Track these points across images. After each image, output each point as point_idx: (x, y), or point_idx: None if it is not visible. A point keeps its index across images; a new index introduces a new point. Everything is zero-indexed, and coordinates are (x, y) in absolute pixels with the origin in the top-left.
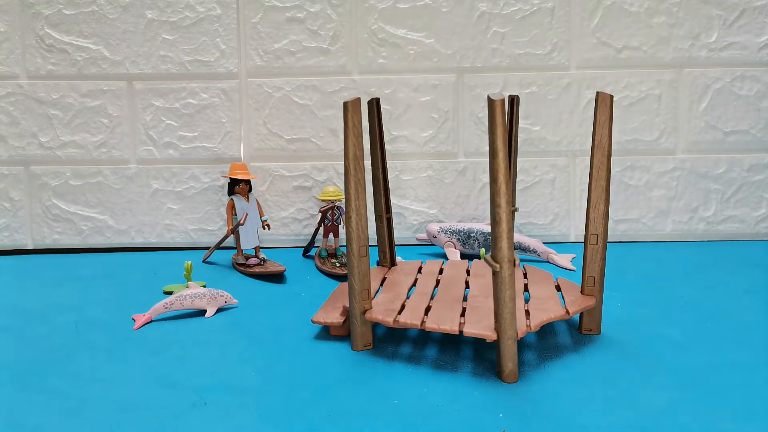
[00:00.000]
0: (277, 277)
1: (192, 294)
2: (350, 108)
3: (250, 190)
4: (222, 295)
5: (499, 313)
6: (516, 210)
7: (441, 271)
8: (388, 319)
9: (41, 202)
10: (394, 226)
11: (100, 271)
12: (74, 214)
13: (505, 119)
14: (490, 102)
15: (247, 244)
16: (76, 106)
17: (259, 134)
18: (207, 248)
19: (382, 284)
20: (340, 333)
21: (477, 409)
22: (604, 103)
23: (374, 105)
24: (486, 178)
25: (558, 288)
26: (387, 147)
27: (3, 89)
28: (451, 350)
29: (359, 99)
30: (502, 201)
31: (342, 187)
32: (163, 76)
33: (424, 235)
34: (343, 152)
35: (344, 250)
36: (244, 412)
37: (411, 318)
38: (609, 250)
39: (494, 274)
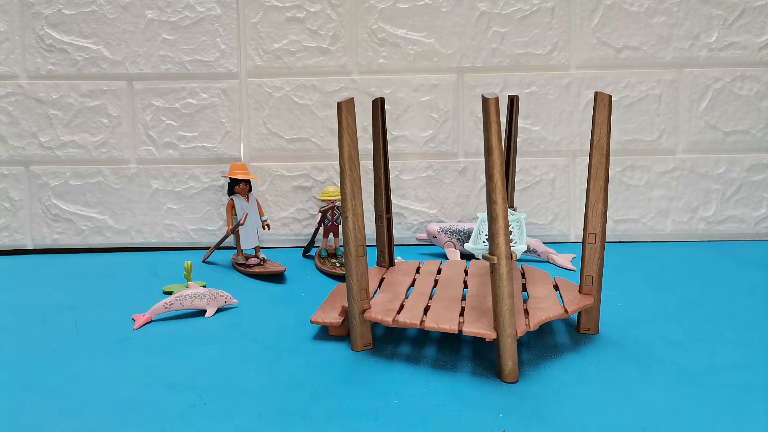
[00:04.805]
0: (277, 277)
1: (192, 294)
2: (344, 108)
3: (250, 190)
4: (222, 295)
5: (498, 310)
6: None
7: (439, 271)
8: (387, 319)
9: (41, 202)
10: (394, 226)
11: (100, 271)
12: (74, 214)
13: (499, 117)
14: (484, 100)
15: (247, 244)
16: (76, 106)
17: (259, 134)
18: (207, 248)
19: (380, 284)
20: (339, 333)
21: (477, 409)
22: (602, 103)
23: (378, 104)
24: None
25: (556, 287)
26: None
27: (3, 89)
28: (451, 350)
29: (353, 99)
30: (499, 198)
31: None
32: (163, 76)
33: (424, 235)
34: None
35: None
36: (244, 412)
37: (410, 317)
38: (609, 250)
39: (492, 271)
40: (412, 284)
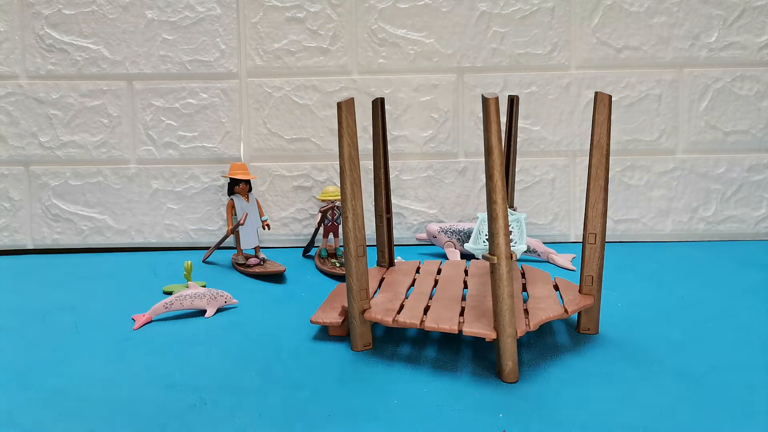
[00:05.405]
0: (277, 277)
1: (192, 294)
2: (344, 108)
3: (250, 190)
4: (222, 295)
5: (498, 310)
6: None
7: (439, 271)
8: (387, 319)
9: (41, 202)
10: (394, 226)
11: (100, 271)
12: (74, 214)
13: (499, 117)
14: (484, 100)
15: (247, 244)
16: (76, 106)
17: (259, 134)
18: (207, 248)
19: (380, 284)
20: (339, 333)
21: (477, 409)
22: (602, 103)
23: (378, 104)
24: None
25: (556, 287)
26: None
27: (3, 89)
28: (451, 350)
29: (353, 99)
30: (498, 198)
31: None
32: (163, 76)
33: (424, 235)
34: None
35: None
36: (244, 412)
37: (410, 317)
38: (609, 250)
39: (492, 271)
40: (412, 284)
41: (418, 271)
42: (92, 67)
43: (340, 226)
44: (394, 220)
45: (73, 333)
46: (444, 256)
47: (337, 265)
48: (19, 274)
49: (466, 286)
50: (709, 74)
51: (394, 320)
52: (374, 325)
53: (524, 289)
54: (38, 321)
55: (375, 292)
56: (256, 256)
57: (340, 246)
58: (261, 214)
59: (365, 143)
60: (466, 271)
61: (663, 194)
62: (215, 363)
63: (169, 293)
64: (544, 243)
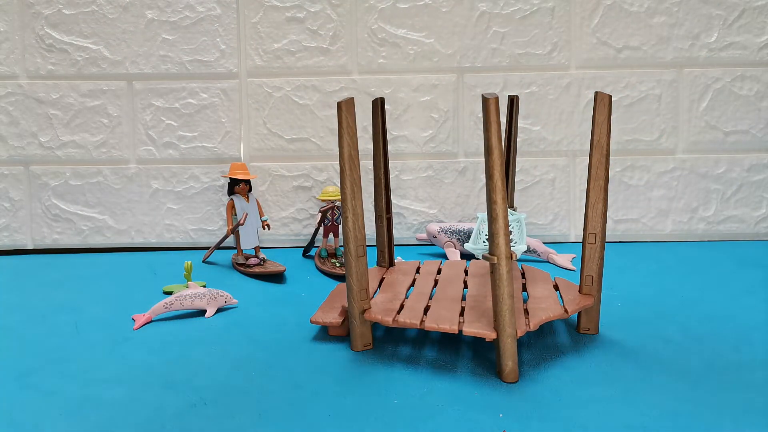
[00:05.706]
0: (277, 277)
1: (192, 294)
2: (344, 108)
3: (250, 190)
4: (222, 295)
5: (498, 310)
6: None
7: (439, 271)
8: (388, 319)
9: (41, 202)
10: (394, 226)
11: (100, 271)
12: (74, 214)
13: (499, 117)
14: (484, 100)
15: (247, 244)
16: (75, 106)
17: (259, 134)
18: (207, 248)
19: (380, 284)
20: (339, 333)
21: (477, 409)
22: (602, 103)
23: (378, 104)
24: None
25: (556, 287)
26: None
27: (3, 89)
28: (451, 350)
29: (353, 99)
30: (498, 198)
31: None
32: (163, 76)
33: (424, 235)
34: None
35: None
36: (244, 412)
37: (410, 317)
38: (609, 250)
39: (492, 271)
40: (412, 284)
41: (418, 271)
42: (92, 67)
43: (340, 226)
44: (394, 220)
45: (73, 333)
46: (444, 256)
47: (337, 265)
48: (19, 274)
49: (466, 286)
50: (709, 74)
51: (394, 320)
52: (374, 325)
53: (524, 289)
54: (38, 321)
55: (375, 292)
56: (256, 256)
57: (340, 246)
58: (261, 214)
59: (365, 143)
60: (466, 271)
61: (663, 194)
62: (215, 363)
63: (169, 293)
64: (544, 243)
